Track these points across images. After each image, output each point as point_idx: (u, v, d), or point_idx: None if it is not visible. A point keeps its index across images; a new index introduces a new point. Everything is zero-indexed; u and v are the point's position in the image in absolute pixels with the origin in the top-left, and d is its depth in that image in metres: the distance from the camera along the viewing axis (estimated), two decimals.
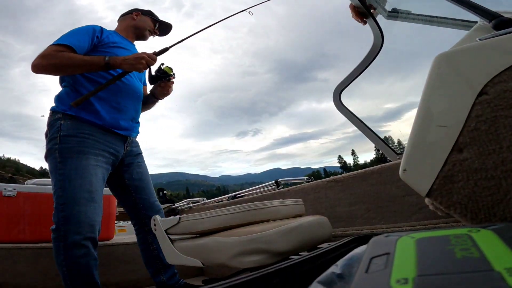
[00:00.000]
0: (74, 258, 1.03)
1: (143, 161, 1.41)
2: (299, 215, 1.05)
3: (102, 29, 1.29)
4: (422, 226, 0.98)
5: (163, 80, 1.32)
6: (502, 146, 0.44)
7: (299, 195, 1.46)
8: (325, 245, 0.78)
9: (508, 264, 0.21)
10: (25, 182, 1.90)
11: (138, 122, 1.40)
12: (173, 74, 1.31)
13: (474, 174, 0.46)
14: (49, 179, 2.03)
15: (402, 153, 0.58)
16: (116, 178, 1.31)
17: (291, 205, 1.01)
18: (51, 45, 1.15)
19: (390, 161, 1.22)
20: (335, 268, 0.31)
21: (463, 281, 0.20)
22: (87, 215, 1.05)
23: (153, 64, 1.21)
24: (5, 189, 1.69)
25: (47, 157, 1.15)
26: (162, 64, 1.30)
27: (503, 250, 0.24)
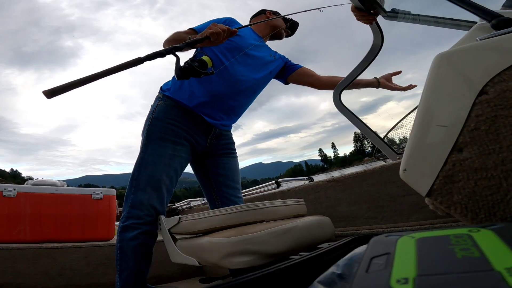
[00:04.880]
0: (125, 240, 1.05)
1: (234, 156, 1.36)
2: (301, 215, 1.05)
3: (230, 19, 1.27)
4: (423, 226, 0.98)
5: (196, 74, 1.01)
6: (502, 145, 0.44)
7: (300, 195, 1.46)
8: (325, 245, 0.78)
9: (508, 264, 0.21)
10: (25, 183, 1.90)
11: (233, 117, 1.31)
12: (211, 69, 1.03)
13: (474, 174, 0.46)
14: (49, 180, 2.03)
15: (402, 153, 0.59)
16: (203, 170, 1.30)
17: (289, 205, 1.01)
18: None
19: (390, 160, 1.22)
20: (336, 268, 0.32)
21: (463, 281, 0.20)
22: (149, 202, 1.08)
23: (221, 36, 1.02)
24: (5, 189, 1.70)
25: (142, 135, 1.19)
26: (199, 53, 1.13)
27: (503, 250, 0.24)
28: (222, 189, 1.29)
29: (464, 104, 0.47)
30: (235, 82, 1.23)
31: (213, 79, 1.15)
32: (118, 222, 1.13)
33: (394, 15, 0.97)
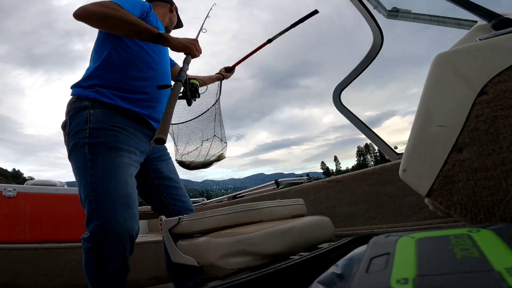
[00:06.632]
0: (108, 274, 0.91)
1: (169, 157, 1.27)
2: (300, 215, 1.04)
3: (151, 7, 1.18)
4: (422, 226, 0.98)
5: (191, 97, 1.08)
6: (502, 146, 0.44)
7: (300, 195, 1.46)
8: (325, 245, 0.77)
9: (508, 264, 0.21)
10: (25, 183, 1.90)
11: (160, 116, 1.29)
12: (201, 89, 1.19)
13: (474, 174, 0.46)
14: (50, 179, 2.03)
15: (402, 153, 0.59)
16: (143, 178, 1.15)
17: (288, 206, 1.00)
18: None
19: (390, 161, 1.22)
20: (335, 268, 0.32)
21: (463, 281, 0.20)
22: (126, 225, 0.92)
23: (198, 56, 1.14)
24: (5, 189, 1.70)
25: (71, 153, 0.97)
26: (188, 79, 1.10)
27: (503, 250, 0.24)
28: (171, 192, 1.19)
29: (464, 104, 0.47)
30: (163, 72, 1.18)
31: (146, 76, 1.08)
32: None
33: (395, 14, 0.97)
